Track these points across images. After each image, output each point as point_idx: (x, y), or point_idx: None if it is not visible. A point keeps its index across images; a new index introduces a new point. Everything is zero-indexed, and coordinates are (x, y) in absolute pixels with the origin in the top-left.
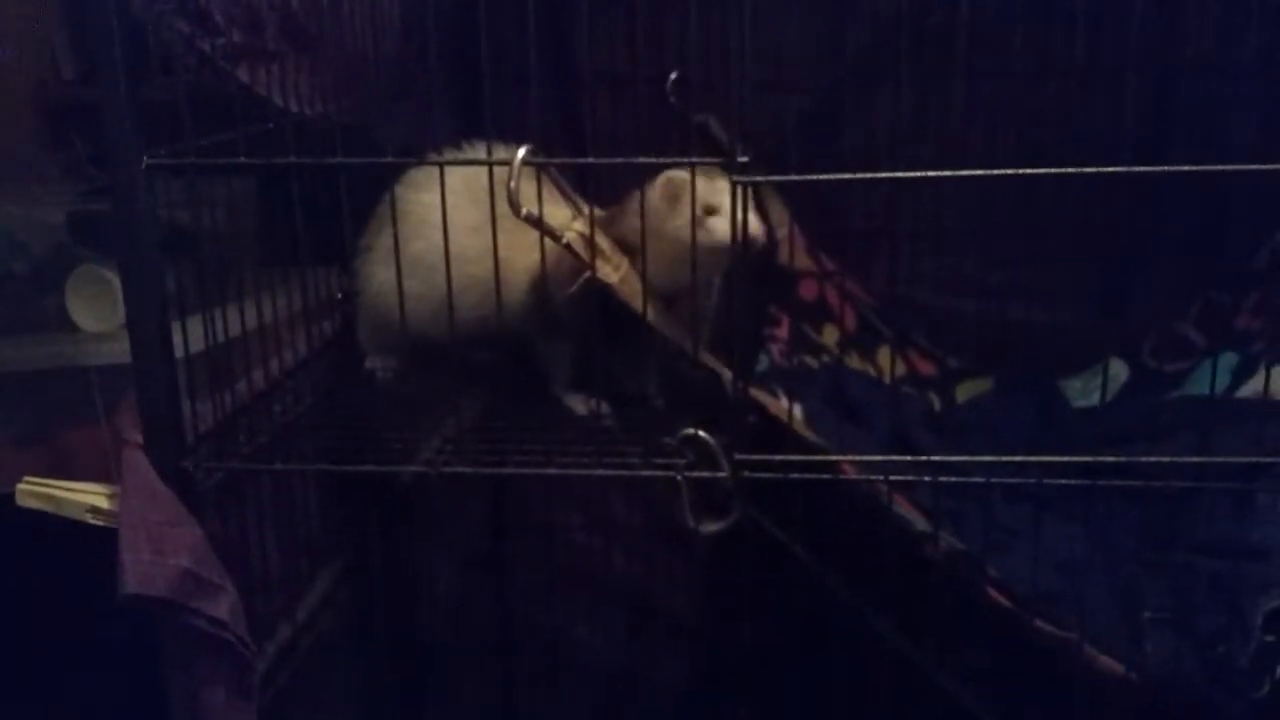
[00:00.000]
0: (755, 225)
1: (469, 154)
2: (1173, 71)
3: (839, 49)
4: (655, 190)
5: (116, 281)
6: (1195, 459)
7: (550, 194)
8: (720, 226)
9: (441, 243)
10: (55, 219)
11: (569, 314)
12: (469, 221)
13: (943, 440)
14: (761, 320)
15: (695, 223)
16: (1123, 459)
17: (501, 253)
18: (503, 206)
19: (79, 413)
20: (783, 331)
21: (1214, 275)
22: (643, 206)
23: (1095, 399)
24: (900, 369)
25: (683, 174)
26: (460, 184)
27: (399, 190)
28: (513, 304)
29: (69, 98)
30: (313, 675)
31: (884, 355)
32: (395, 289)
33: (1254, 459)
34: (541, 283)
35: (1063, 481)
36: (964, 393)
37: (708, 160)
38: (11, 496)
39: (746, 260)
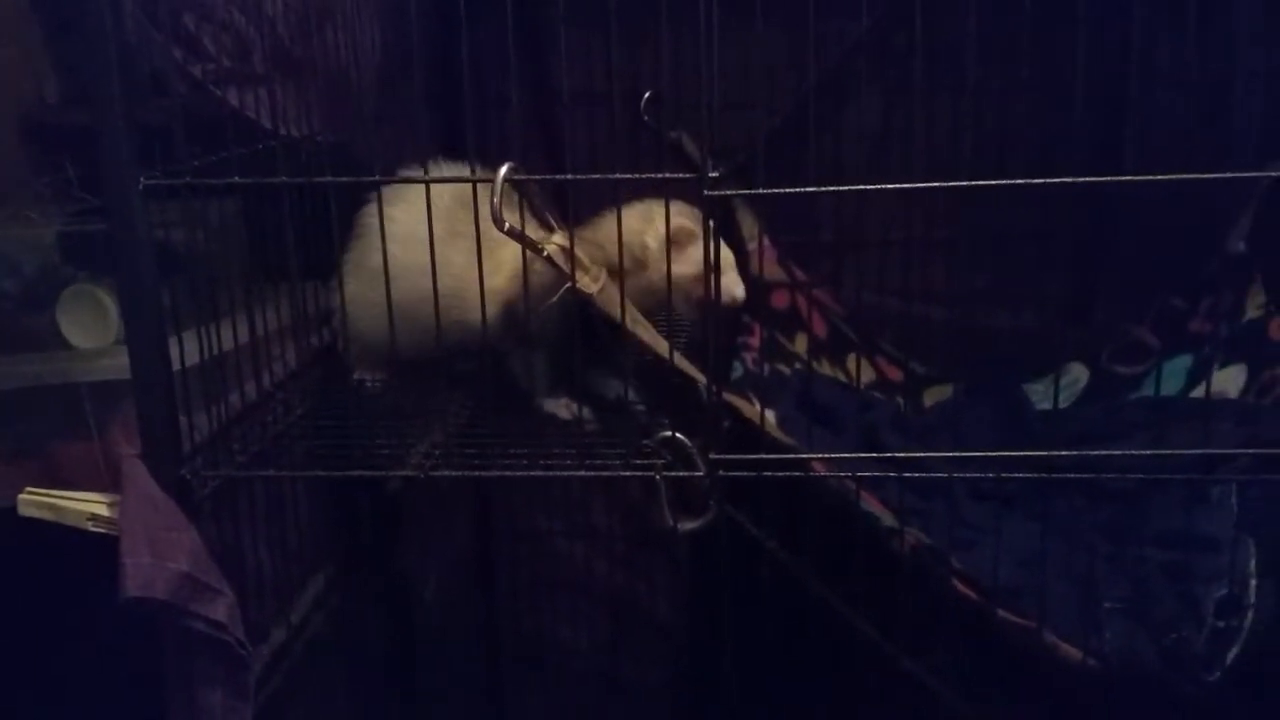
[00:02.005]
0: (738, 286)
1: (434, 172)
2: (1125, 85)
3: (807, 68)
4: (654, 235)
5: (108, 300)
6: (1148, 451)
7: (526, 210)
8: (732, 281)
9: (403, 256)
10: (46, 239)
11: (547, 324)
12: (426, 237)
13: (910, 442)
14: (735, 329)
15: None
16: (1076, 453)
17: (470, 271)
18: (466, 224)
19: (72, 428)
20: (756, 340)
21: (1169, 281)
22: (619, 227)
23: (1058, 402)
24: (869, 375)
25: (691, 225)
26: (421, 201)
27: (368, 207)
28: (481, 321)
29: (54, 120)
30: (305, 678)
31: (854, 362)
32: (364, 301)
33: (1203, 450)
34: (516, 301)
35: (1019, 475)
36: (931, 397)
37: (680, 176)
38: (7, 510)
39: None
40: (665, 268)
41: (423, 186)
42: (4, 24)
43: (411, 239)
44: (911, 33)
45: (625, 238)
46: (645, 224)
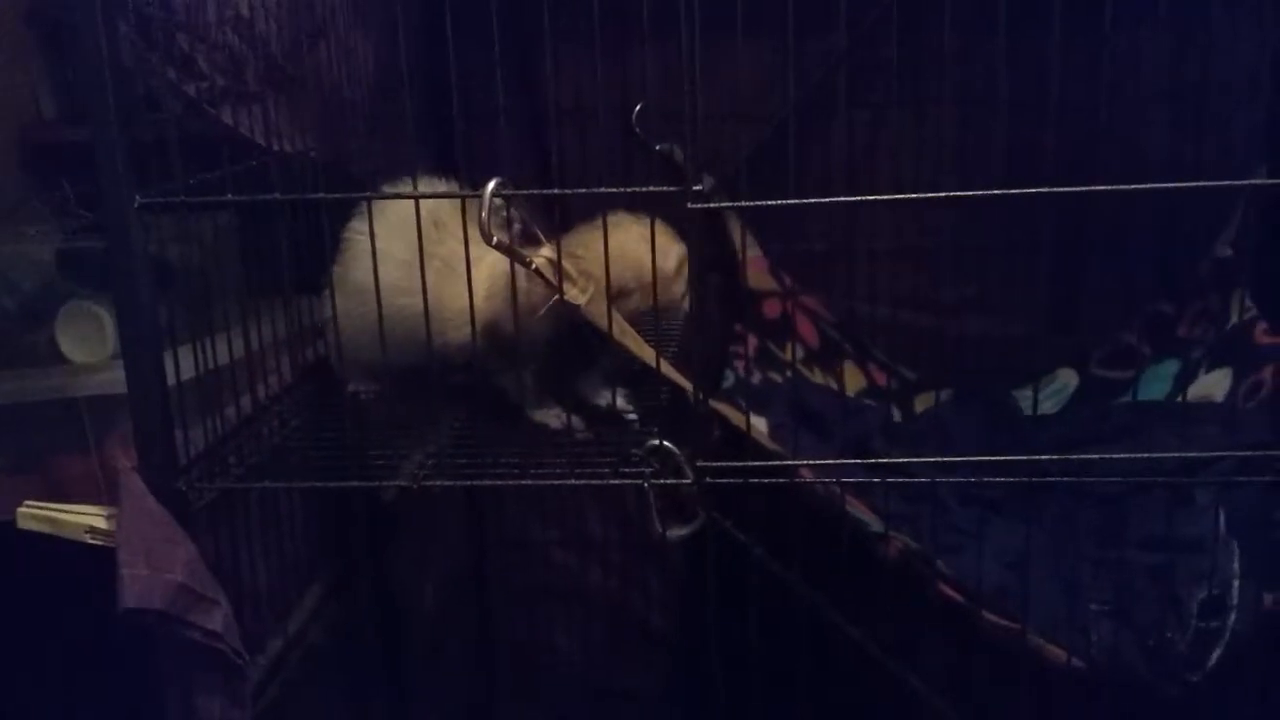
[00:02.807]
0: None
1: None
2: (1096, 97)
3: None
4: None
5: (105, 316)
6: (1132, 455)
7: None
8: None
9: (374, 273)
10: (44, 256)
11: (535, 338)
12: (401, 255)
13: (901, 449)
14: (728, 339)
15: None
16: (1059, 457)
17: (441, 291)
18: (437, 243)
19: (69, 442)
20: (747, 349)
21: (1157, 287)
22: (604, 246)
23: (1047, 407)
24: (860, 382)
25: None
26: (396, 218)
27: (350, 222)
28: (460, 341)
29: (51, 138)
30: (302, 688)
31: (844, 369)
32: (346, 315)
33: (1187, 453)
34: (497, 319)
35: (1002, 480)
36: (922, 403)
37: (666, 189)
38: (6, 524)
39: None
40: (679, 290)
41: (396, 204)
42: (1, 43)
43: (384, 257)
44: (894, 46)
45: (633, 263)
46: (657, 253)
